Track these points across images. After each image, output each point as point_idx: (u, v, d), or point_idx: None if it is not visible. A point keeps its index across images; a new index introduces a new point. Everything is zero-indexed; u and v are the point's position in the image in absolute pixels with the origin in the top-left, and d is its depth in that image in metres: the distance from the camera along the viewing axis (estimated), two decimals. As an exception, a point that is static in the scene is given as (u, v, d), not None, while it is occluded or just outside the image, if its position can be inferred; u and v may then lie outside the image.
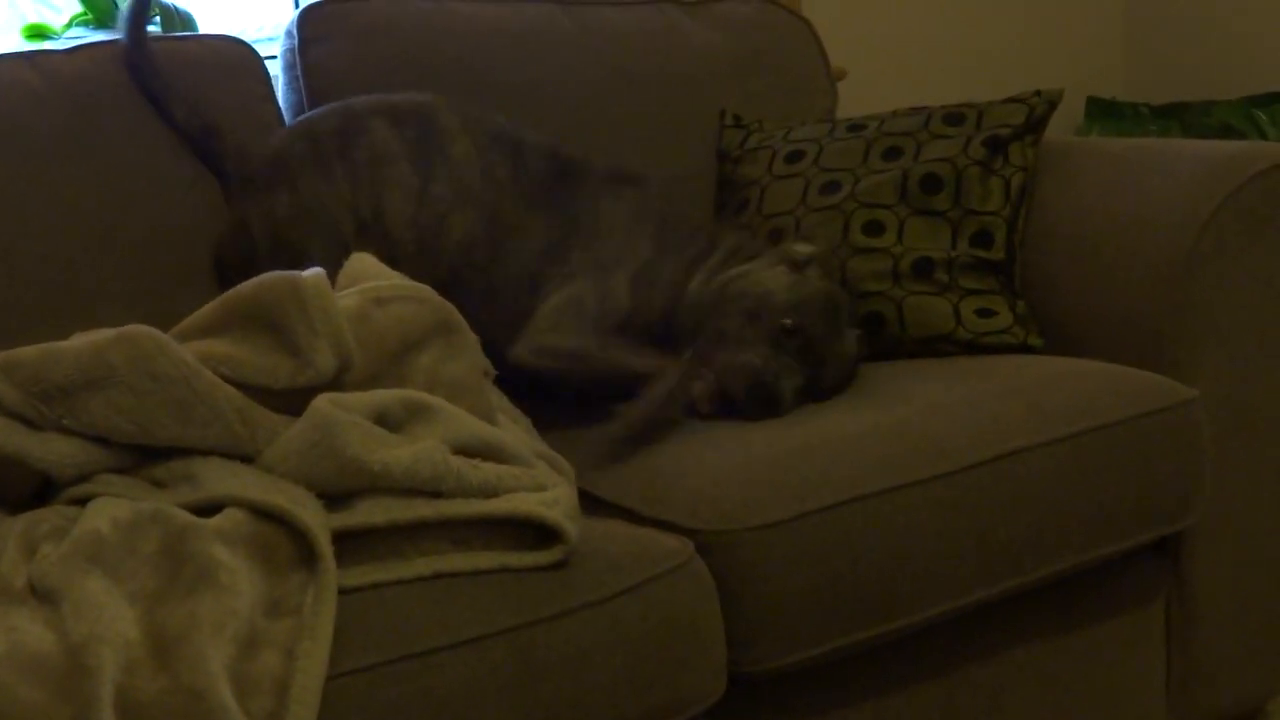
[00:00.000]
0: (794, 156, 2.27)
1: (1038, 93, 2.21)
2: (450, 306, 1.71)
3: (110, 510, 1.45)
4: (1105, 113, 3.31)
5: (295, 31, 2.27)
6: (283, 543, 1.44)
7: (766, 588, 1.64)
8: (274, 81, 2.27)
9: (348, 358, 1.57)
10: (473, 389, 1.68)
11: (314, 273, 1.61)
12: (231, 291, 1.62)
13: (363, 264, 1.79)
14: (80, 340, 1.54)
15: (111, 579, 1.38)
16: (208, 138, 2.12)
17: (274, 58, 2.32)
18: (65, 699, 1.26)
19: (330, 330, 1.57)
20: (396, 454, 1.49)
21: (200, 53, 2.21)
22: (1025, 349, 2.07)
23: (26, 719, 1.24)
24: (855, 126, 2.27)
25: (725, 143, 2.42)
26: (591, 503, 1.69)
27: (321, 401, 1.52)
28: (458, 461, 1.51)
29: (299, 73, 2.25)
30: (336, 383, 1.57)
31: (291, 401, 1.55)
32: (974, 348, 2.07)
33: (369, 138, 2.06)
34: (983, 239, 2.12)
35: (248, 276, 1.64)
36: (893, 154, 2.19)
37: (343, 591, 1.42)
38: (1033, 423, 1.83)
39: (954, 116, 2.22)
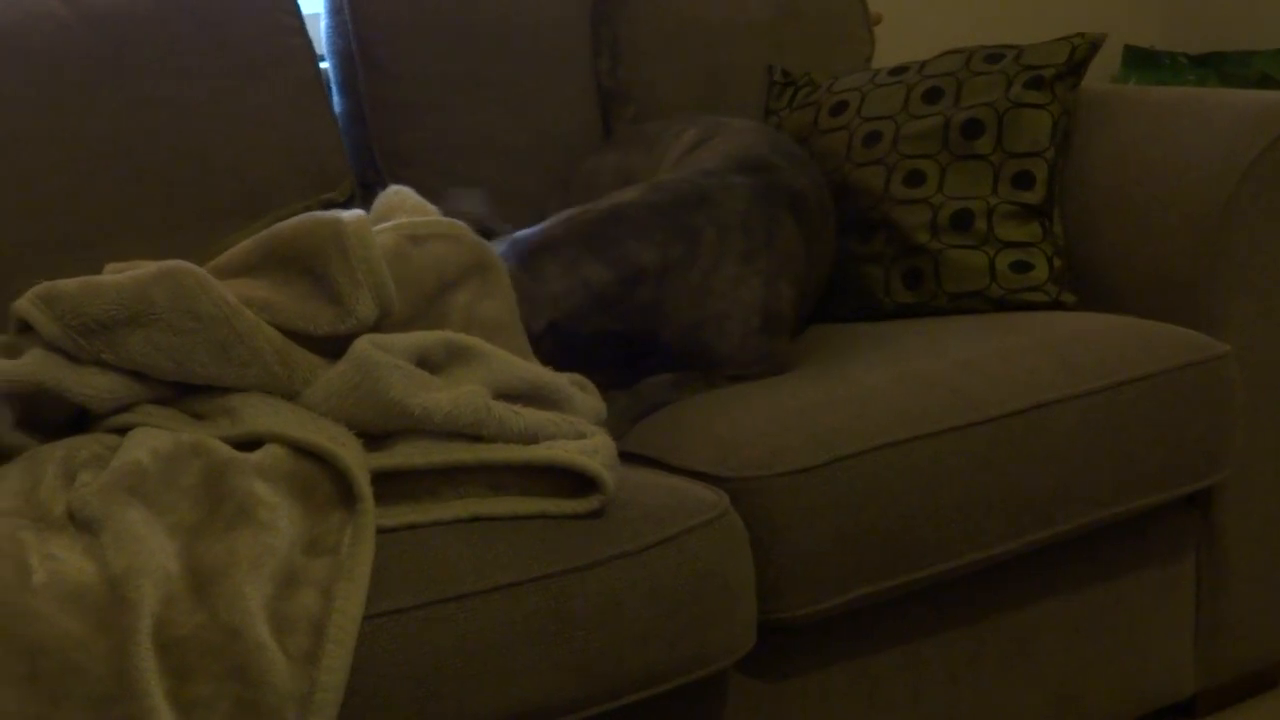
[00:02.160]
0: (838, 109, 2.26)
1: (1080, 34, 2.19)
2: (485, 244, 1.71)
3: (151, 441, 1.46)
4: (1142, 62, 3.28)
5: (342, -26, 2.25)
6: (322, 481, 1.45)
7: (794, 535, 1.65)
8: (317, 22, 2.26)
9: (389, 306, 1.57)
10: (509, 327, 1.68)
11: (354, 215, 1.61)
12: (271, 231, 1.62)
13: (399, 197, 1.79)
14: (121, 275, 1.54)
15: (151, 511, 1.39)
16: (613, 98, 2.32)
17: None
18: (105, 631, 1.27)
19: (372, 280, 1.56)
20: (437, 398, 1.49)
21: (230, -18, 2.20)
22: (1057, 306, 2.07)
23: (66, 649, 1.26)
24: (897, 71, 2.26)
25: (772, 99, 2.41)
26: (620, 454, 1.68)
27: (363, 343, 1.53)
28: (499, 407, 1.51)
29: (347, 17, 2.23)
30: (376, 326, 1.57)
31: (331, 344, 1.56)
32: (1005, 305, 2.07)
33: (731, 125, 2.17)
34: (1024, 180, 2.11)
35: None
36: (933, 96, 2.18)
37: (380, 532, 1.43)
38: (1064, 376, 1.83)
39: (994, 55, 2.20)
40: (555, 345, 1.79)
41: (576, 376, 1.68)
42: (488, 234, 1.85)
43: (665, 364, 1.88)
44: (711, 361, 1.89)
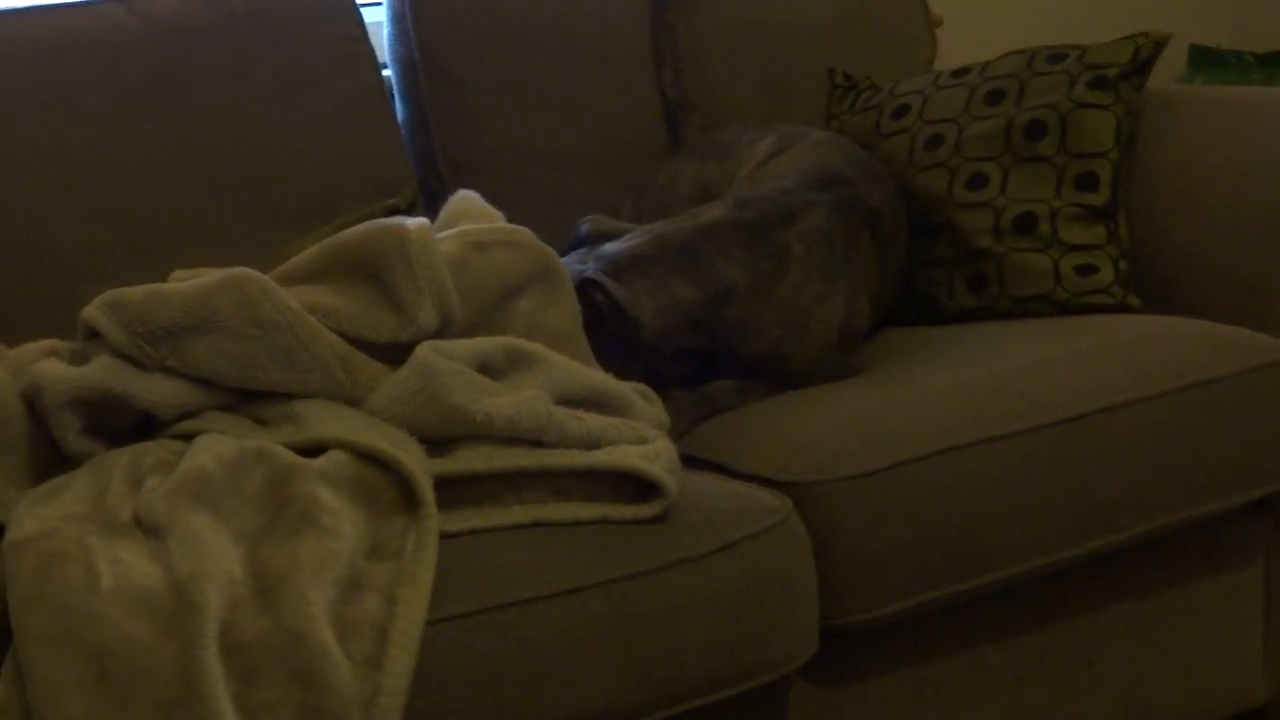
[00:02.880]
0: (900, 112, 2.25)
1: (1144, 33, 2.17)
2: (550, 251, 1.71)
3: (216, 447, 1.47)
4: (1209, 61, 3.24)
5: (405, -17, 2.26)
6: (385, 486, 1.45)
7: (857, 539, 1.64)
8: (379, 29, 2.27)
9: (451, 314, 1.58)
10: (572, 335, 1.68)
11: (418, 223, 1.62)
12: (335, 238, 1.64)
13: (466, 203, 1.80)
14: (187, 283, 1.56)
15: (217, 516, 1.41)
16: (679, 107, 2.33)
17: (372, 5, 2.32)
18: (171, 635, 1.29)
19: (435, 287, 1.57)
20: (499, 403, 1.49)
21: (295, -9, 2.22)
22: (1123, 309, 2.05)
23: (134, 653, 1.27)
24: (959, 72, 2.25)
25: (833, 104, 2.40)
26: (682, 458, 1.68)
27: (425, 349, 1.54)
28: (560, 413, 1.52)
29: (409, 25, 2.24)
30: (438, 334, 1.58)
31: (393, 351, 1.57)
32: (1070, 308, 2.05)
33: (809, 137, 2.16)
34: (1088, 181, 2.09)
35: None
36: (996, 97, 2.16)
37: (442, 537, 1.43)
38: (1131, 379, 1.81)
39: (1057, 55, 2.19)
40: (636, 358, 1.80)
41: (639, 385, 1.68)
42: None
43: (736, 374, 1.88)
44: (785, 373, 1.89)
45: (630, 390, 1.64)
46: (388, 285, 1.58)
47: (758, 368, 1.88)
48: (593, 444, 1.52)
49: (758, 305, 1.86)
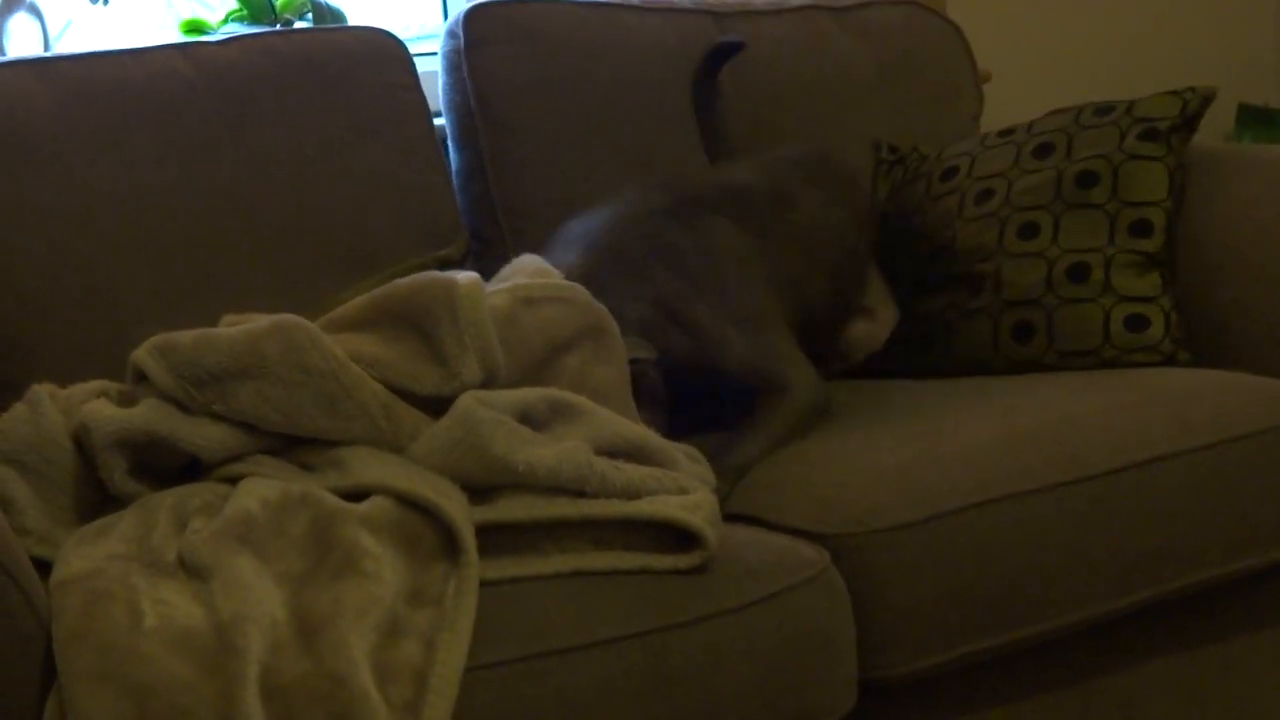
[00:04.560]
0: (948, 174, 2.25)
1: (1191, 88, 2.17)
2: (601, 309, 1.72)
3: (261, 491, 1.49)
4: (1257, 120, 3.24)
5: (460, 32, 2.28)
6: (426, 533, 1.46)
7: (895, 592, 1.64)
8: (431, 79, 2.29)
9: (495, 371, 1.60)
10: (619, 394, 1.69)
11: (468, 278, 1.63)
12: (384, 289, 1.65)
13: (521, 261, 1.82)
14: (235, 328, 1.58)
15: (260, 559, 1.42)
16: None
17: (425, 55, 2.35)
18: (212, 675, 1.30)
19: (479, 343, 1.59)
20: (540, 453, 1.51)
21: (348, 43, 2.24)
22: (1170, 364, 2.04)
23: (175, 692, 1.28)
24: (1005, 133, 2.25)
25: (881, 176, 2.41)
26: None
27: (468, 399, 1.55)
28: (601, 463, 1.53)
29: (465, 74, 2.26)
30: (480, 388, 1.59)
31: (435, 401, 1.58)
32: (1117, 365, 2.04)
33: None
34: (1142, 228, 2.08)
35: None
36: (1044, 151, 2.16)
37: (482, 584, 1.44)
38: (1173, 432, 1.81)
39: (1104, 109, 2.19)
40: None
41: (686, 446, 1.69)
42: None
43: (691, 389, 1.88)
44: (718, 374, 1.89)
45: (674, 447, 1.65)
46: (433, 339, 1.59)
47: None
48: (633, 494, 1.52)
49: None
